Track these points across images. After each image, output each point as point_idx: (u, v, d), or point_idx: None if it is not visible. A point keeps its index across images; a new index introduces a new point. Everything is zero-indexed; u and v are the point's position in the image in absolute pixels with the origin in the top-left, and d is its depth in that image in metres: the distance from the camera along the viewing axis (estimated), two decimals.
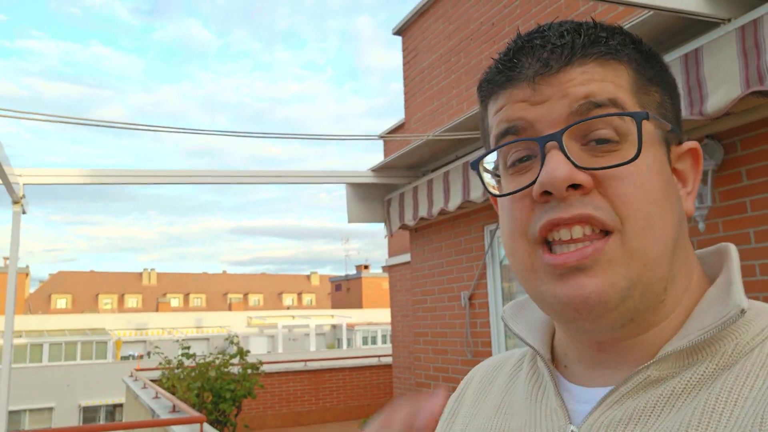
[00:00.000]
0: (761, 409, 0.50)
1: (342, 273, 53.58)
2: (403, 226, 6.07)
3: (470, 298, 5.62)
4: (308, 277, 71.78)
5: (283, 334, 31.28)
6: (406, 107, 7.12)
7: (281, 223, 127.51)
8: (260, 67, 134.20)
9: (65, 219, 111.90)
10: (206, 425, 5.48)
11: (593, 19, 0.62)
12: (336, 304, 50.30)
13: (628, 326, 0.59)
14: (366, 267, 49.65)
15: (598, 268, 0.55)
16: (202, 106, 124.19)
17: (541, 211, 0.58)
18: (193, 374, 8.88)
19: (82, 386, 25.10)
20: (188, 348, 9.31)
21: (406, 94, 7.13)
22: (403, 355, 9.95)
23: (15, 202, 4.67)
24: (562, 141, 0.56)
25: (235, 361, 9.37)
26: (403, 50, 7.17)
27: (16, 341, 27.35)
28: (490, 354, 5.21)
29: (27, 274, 42.01)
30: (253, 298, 64.74)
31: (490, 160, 0.65)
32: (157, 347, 10.82)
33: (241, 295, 63.60)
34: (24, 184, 4.72)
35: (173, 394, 8.57)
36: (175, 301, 59.84)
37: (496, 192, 0.65)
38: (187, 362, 9.22)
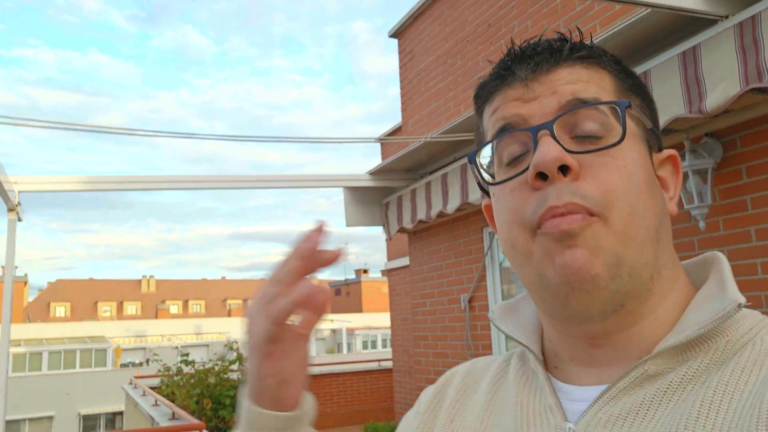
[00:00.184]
0: (758, 402, 0.52)
1: (341, 277, 53.54)
2: (402, 230, 6.04)
3: (470, 301, 5.59)
4: None
5: None
6: (403, 110, 7.10)
7: (280, 228, 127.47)
8: (258, 73, 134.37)
9: (64, 227, 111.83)
10: None
11: (577, 30, 0.69)
12: (336, 309, 50.20)
13: (619, 313, 0.61)
14: (365, 271, 49.62)
15: (586, 239, 0.58)
16: (200, 113, 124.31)
17: (538, 198, 0.60)
18: (192, 381, 8.84)
19: (81, 394, 25.02)
20: (187, 355, 9.26)
21: (402, 96, 7.12)
22: (404, 359, 9.92)
23: (10, 210, 4.64)
24: (553, 129, 0.60)
25: (235, 367, 9.32)
26: (400, 53, 7.15)
27: (15, 350, 27.26)
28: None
29: (25, 283, 41.92)
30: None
31: (486, 155, 0.68)
32: (155, 354, 10.77)
33: (240, 301, 63.44)
34: (19, 192, 4.69)
35: (173, 401, 8.52)
36: (174, 307, 59.69)
37: (493, 180, 0.67)
38: (186, 369, 9.17)
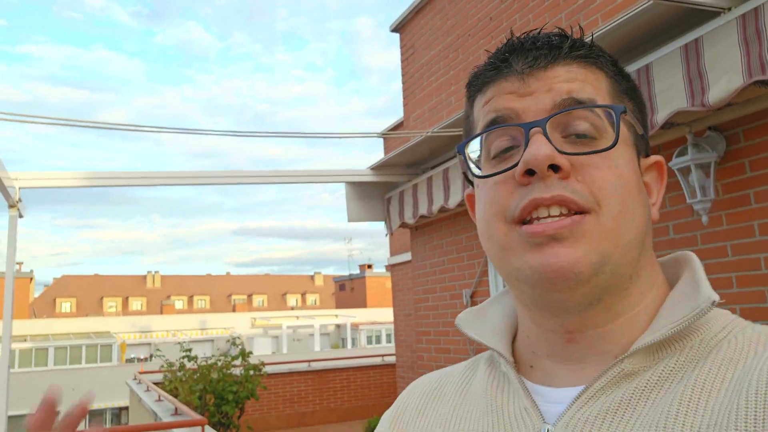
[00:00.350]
0: (735, 400, 0.53)
1: (346, 273, 53.58)
2: (403, 225, 6.02)
3: (472, 296, 5.57)
4: (312, 277, 71.81)
5: (287, 335, 31.28)
6: (405, 105, 7.07)
7: (284, 224, 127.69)
8: (261, 69, 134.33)
9: (69, 223, 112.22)
10: (207, 428, 5.44)
11: (579, 27, 0.69)
12: (340, 304, 50.32)
13: (596, 307, 0.61)
14: (369, 266, 49.63)
15: (573, 240, 0.58)
16: (204, 108, 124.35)
17: (522, 192, 0.60)
18: (195, 376, 8.85)
19: (87, 389, 24.98)
20: (189, 350, 9.27)
21: (404, 91, 7.08)
22: (407, 354, 9.91)
23: (11, 206, 4.64)
24: (545, 128, 0.60)
25: (238, 362, 9.33)
26: (401, 47, 7.12)
27: (22, 345, 27.40)
28: None
29: (31, 279, 42.07)
30: (257, 299, 64.79)
31: (474, 149, 0.67)
32: (158, 349, 10.79)
33: (245, 297, 63.66)
34: (20, 188, 4.69)
35: (176, 396, 8.54)
36: (180, 303, 59.89)
37: (480, 173, 0.66)
38: (188, 364, 9.18)
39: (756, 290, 3.12)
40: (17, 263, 41.23)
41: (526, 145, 0.59)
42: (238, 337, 10.79)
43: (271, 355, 21.88)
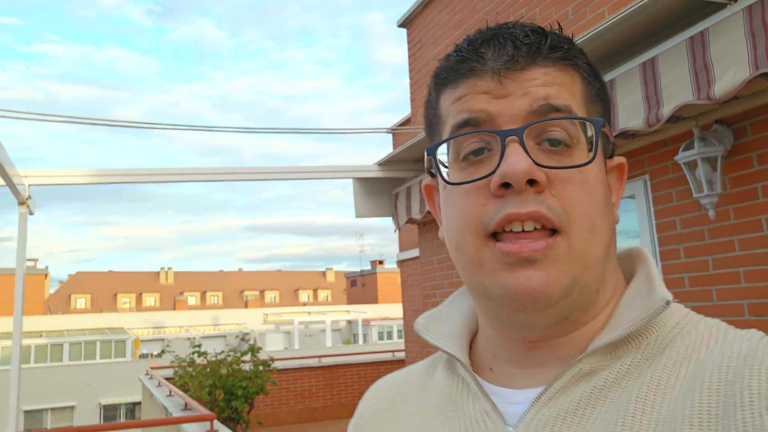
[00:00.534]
0: (689, 396, 0.53)
1: (357, 269, 53.65)
2: (411, 221, 6.02)
3: None
4: (324, 273, 72.00)
5: (299, 330, 31.39)
6: (413, 100, 7.06)
7: (296, 220, 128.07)
8: (273, 65, 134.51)
9: (84, 220, 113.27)
10: (216, 422, 5.48)
11: (557, 25, 0.67)
12: (351, 300, 50.45)
13: (563, 323, 0.61)
14: (381, 262, 49.69)
15: (546, 263, 0.57)
16: (216, 105, 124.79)
17: (497, 205, 0.58)
18: (204, 372, 8.91)
19: (102, 385, 25.40)
20: (199, 346, 9.34)
21: (412, 86, 7.07)
22: (416, 349, 9.91)
23: (21, 203, 4.68)
24: (523, 137, 0.58)
25: (247, 358, 9.38)
26: (408, 42, 7.10)
27: (37, 341, 27.72)
28: None
29: (46, 275, 42.53)
30: (269, 295, 65.09)
31: (442, 151, 0.65)
32: (168, 345, 10.88)
33: (257, 293, 63.95)
34: (29, 185, 4.73)
35: (186, 391, 8.61)
36: (192, 299, 60.33)
37: (452, 177, 0.63)
38: (198, 360, 9.24)
39: (764, 285, 3.09)
40: (32, 260, 41.78)
41: (502, 154, 0.58)
42: (247, 333, 10.86)
43: (283, 350, 21.99)
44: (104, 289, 58.65)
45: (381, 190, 6.29)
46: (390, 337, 35.39)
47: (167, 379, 9.95)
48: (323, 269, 72.91)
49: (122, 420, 25.29)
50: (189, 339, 10.17)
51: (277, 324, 34.68)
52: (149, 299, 59.80)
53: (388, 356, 14.02)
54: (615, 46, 3.54)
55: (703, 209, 3.34)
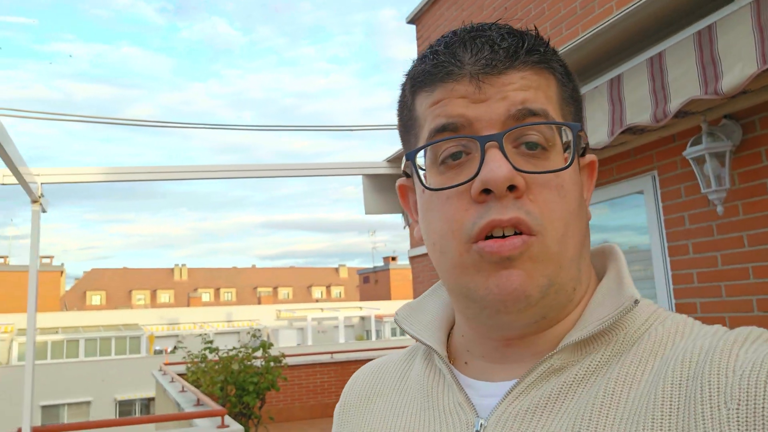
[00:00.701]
0: (653, 390, 0.55)
1: (370, 265, 53.73)
2: None
3: None
4: (337, 269, 72.16)
5: (312, 327, 31.51)
6: None
7: (309, 217, 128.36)
8: (286, 63, 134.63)
9: (99, 217, 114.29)
10: (227, 418, 5.53)
11: (535, 27, 0.67)
12: (364, 296, 50.52)
13: (540, 323, 0.63)
14: (393, 258, 49.71)
15: (523, 261, 0.58)
16: (230, 103, 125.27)
17: (479, 211, 0.59)
18: (216, 368, 8.98)
19: (117, 380, 25.67)
20: (211, 342, 9.41)
21: None
22: None
23: (34, 202, 4.74)
24: (502, 142, 0.59)
25: (258, 354, 9.44)
26: (418, 39, 7.10)
27: (53, 337, 28.06)
28: None
29: (62, 272, 43.01)
30: (282, 292, 65.34)
31: (420, 155, 0.65)
32: (180, 341, 10.97)
33: (270, 289, 64.21)
34: (42, 184, 4.79)
35: (198, 387, 8.68)
36: (206, 295, 60.69)
37: (430, 182, 0.64)
38: (210, 356, 9.32)
39: None
40: (48, 257, 42.23)
41: (482, 160, 0.58)
42: (259, 330, 10.92)
43: (296, 346, 22.08)
44: (119, 285, 59.18)
45: (391, 186, 6.30)
46: (403, 333, 35.41)
47: (180, 374, 10.04)
48: (336, 266, 73.06)
49: (137, 415, 25.54)
50: (201, 335, 10.25)
51: (290, 320, 34.83)
52: (164, 296, 60.26)
53: None
54: (623, 41, 3.52)
55: (712, 205, 3.32)
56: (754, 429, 0.48)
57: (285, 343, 30.53)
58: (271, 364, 9.33)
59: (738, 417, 0.49)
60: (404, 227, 6.59)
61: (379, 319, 35.03)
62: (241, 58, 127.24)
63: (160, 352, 30.17)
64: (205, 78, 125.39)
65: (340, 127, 6.64)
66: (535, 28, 0.67)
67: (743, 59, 2.77)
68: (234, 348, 9.44)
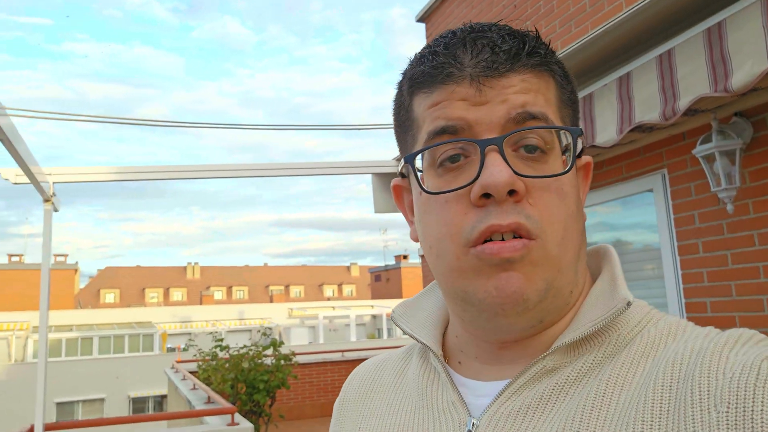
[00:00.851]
0: (644, 392, 0.55)
1: (381, 263, 53.76)
2: None
3: None
4: (348, 268, 72.25)
5: (323, 325, 31.58)
6: None
7: (321, 215, 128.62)
8: (297, 62, 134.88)
9: (112, 216, 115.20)
10: (237, 415, 5.56)
11: (536, 30, 0.66)
12: (376, 295, 50.56)
13: (537, 326, 0.63)
14: (405, 257, 49.70)
15: (523, 264, 0.58)
16: (241, 102, 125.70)
17: (479, 215, 0.59)
18: (227, 366, 9.03)
19: (130, 378, 25.88)
20: (221, 340, 9.46)
21: None
22: None
23: (46, 201, 4.79)
24: (503, 146, 0.58)
25: (269, 352, 9.48)
26: (427, 37, 7.08)
27: (68, 335, 28.33)
28: None
29: (76, 270, 43.38)
30: (294, 290, 65.55)
31: (419, 157, 0.65)
32: (191, 339, 11.04)
33: (282, 287, 64.44)
34: (54, 183, 4.84)
35: (209, 385, 8.73)
36: (219, 294, 61.01)
37: (428, 184, 0.63)
38: (221, 354, 9.36)
39: None
40: (63, 255, 42.62)
41: (482, 164, 0.58)
42: (270, 328, 10.96)
43: (308, 345, 22.13)
44: (133, 284, 59.64)
45: None
46: None
47: (192, 372, 10.10)
48: (348, 264, 73.16)
49: (150, 412, 25.73)
50: (212, 333, 10.30)
51: (301, 318, 34.92)
52: (176, 294, 60.64)
53: None
54: (632, 39, 3.50)
55: (722, 203, 3.29)
56: None
57: (297, 341, 30.63)
58: (282, 362, 9.36)
59: (728, 420, 0.48)
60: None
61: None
62: (252, 57, 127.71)
63: (173, 349, 30.38)
64: (217, 77, 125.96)
65: (349, 126, 6.65)
66: (536, 30, 0.66)
67: (753, 56, 2.74)
68: (244, 346, 9.48)
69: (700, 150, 3.23)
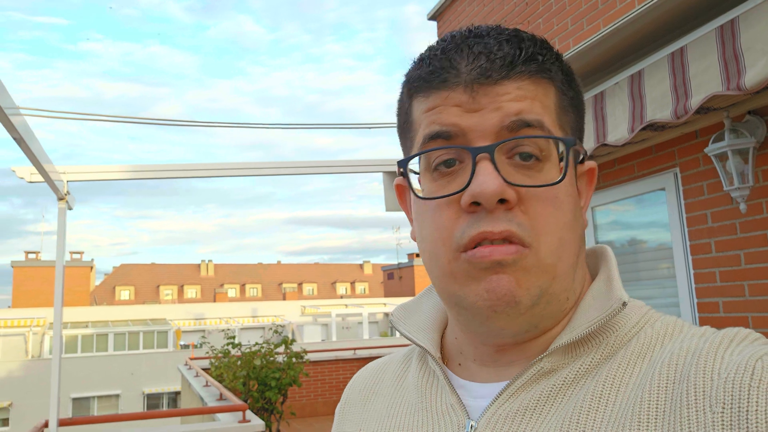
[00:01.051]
0: (640, 393, 0.55)
1: (394, 261, 53.77)
2: None
3: None
4: (361, 266, 72.34)
5: (336, 323, 31.65)
6: None
7: (334, 213, 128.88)
8: (311, 60, 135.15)
9: (128, 214, 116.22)
10: (249, 413, 5.59)
11: (535, 34, 0.65)
12: (388, 293, 50.56)
13: (532, 331, 0.63)
14: (417, 255, 49.62)
15: (515, 269, 0.58)
16: (255, 100, 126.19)
17: (468, 221, 0.59)
18: (238, 363, 9.08)
19: (145, 374, 26.11)
20: (233, 337, 9.51)
21: None
22: None
23: (60, 199, 4.84)
24: (494, 154, 0.58)
25: (281, 349, 9.52)
26: (438, 35, 7.07)
27: (83, 331, 28.62)
28: None
29: (92, 268, 43.78)
30: (307, 288, 65.74)
31: (414, 161, 0.66)
32: (203, 337, 11.11)
33: (295, 285, 64.66)
34: (68, 181, 4.89)
35: (221, 382, 8.78)
36: (232, 291, 61.35)
37: (422, 189, 0.65)
38: (233, 351, 9.41)
39: None
40: (78, 252, 43.03)
41: (473, 171, 0.58)
42: (282, 326, 11.00)
43: (319, 342, 22.22)
44: (147, 281, 60.13)
45: None
46: None
47: (204, 369, 10.18)
48: (361, 262, 73.29)
49: (164, 408, 25.95)
50: (224, 330, 10.37)
51: (314, 316, 35.03)
52: (190, 291, 61.05)
53: None
54: (644, 36, 3.47)
55: (735, 203, 3.26)
56: None
57: (309, 338, 30.74)
58: (293, 359, 9.40)
59: (723, 421, 0.48)
60: None
61: None
62: (266, 55, 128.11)
63: (187, 346, 30.58)
64: (231, 75, 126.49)
65: (361, 125, 6.65)
66: (534, 37, 0.65)
67: (767, 54, 2.71)
68: (256, 343, 9.53)
69: (712, 149, 3.20)
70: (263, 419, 8.42)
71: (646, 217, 4.04)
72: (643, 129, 3.24)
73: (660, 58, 3.24)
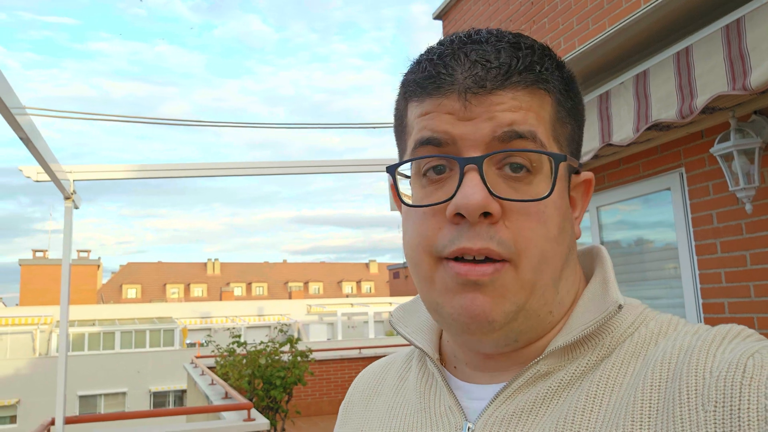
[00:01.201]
0: (633, 392, 0.55)
1: (400, 261, 53.74)
2: None
3: None
4: (367, 265, 72.38)
5: (342, 322, 31.67)
6: None
7: (340, 212, 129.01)
8: (318, 59, 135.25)
9: (135, 213, 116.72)
10: (254, 411, 5.61)
11: (536, 40, 0.64)
12: (394, 292, 50.58)
13: (511, 345, 0.63)
14: None
15: (491, 289, 0.58)
16: (262, 99, 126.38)
17: (451, 232, 0.59)
18: (244, 362, 9.10)
19: (151, 372, 26.22)
20: (239, 336, 9.53)
21: None
22: None
23: (66, 198, 4.87)
24: (482, 166, 0.58)
25: (286, 348, 9.54)
26: (444, 35, 7.06)
27: (90, 329, 28.77)
28: None
29: (99, 266, 43.98)
30: (313, 287, 65.84)
31: (405, 166, 0.65)
32: (209, 335, 11.14)
33: (301, 284, 64.77)
34: (74, 180, 4.91)
35: (226, 380, 8.81)
36: (238, 290, 61.51)
37: (410, 202, 0.64)
38: (238, 350, 9.44)
39: None
40: (86, 251, 43.22)
41: (460, 181, 0.58)
42: (287, 325, 11.03)
43: (325, 341, 22.24)
44: (154, 279, 60.36)
45: None
46: None
47: (210, 368, 10.21)
48: (366, 261, 73.31)
49: (170, 406, 26.06)
50: (229, 329, 10.40)
51: (320, 315, 35.07)
52: (197, 290, 61.24)
53: None
54: (649, 36, 3.46)
55: (741, 203, 3.24)
56: (731, 431, 0.48)
57: (315, 337, 30.77)
58: (298, 359, 9.42)
59: (715, 419, 0.49)
60: None
61: None
62: (273, 55, 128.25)
63: (193, 345, 30.67)
64: (238, 75, 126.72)
65: (368, 125, 6.66)
66: (534, 44, 0.64)
67: None
68: (261, 342, 9.55)
69: (718, 149, 3.18)
70: (268, 418, 8.44)
71: (651, 217, 4.03)
72: (649, 129, 3.23)
73: (665, 57, 3.22)
